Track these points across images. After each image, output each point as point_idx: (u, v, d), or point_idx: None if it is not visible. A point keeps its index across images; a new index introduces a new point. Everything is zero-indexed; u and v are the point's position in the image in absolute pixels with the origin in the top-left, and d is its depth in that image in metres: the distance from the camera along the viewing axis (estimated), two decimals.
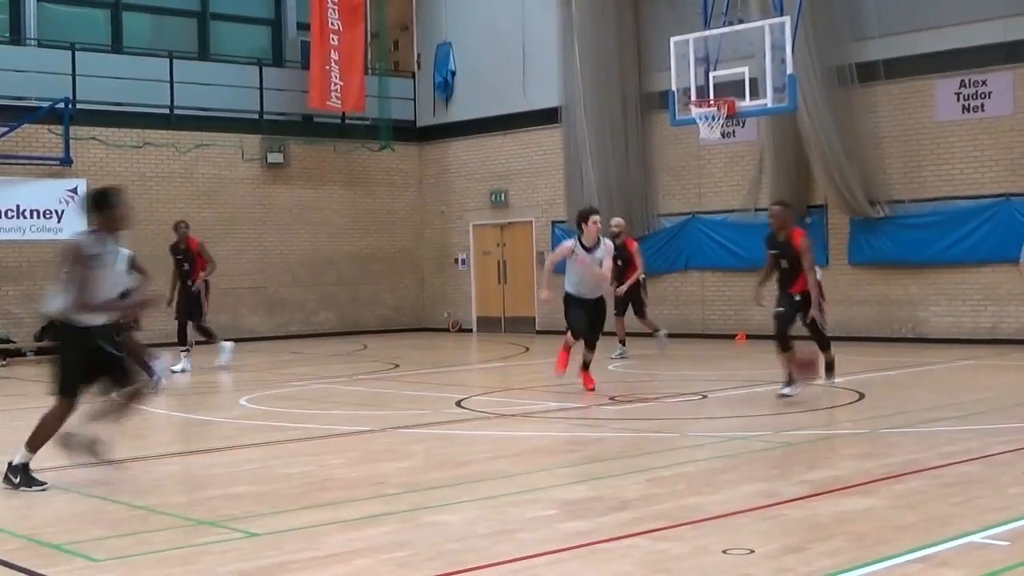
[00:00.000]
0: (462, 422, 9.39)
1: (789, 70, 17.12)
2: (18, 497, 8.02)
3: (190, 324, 17.94)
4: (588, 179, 22.97)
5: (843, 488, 7.46)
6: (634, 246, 18.16)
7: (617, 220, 18.38)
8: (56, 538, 6.57)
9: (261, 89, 24.83)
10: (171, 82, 23.58)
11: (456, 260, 26.54)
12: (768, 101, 17.36)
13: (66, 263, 7.94)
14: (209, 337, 18.01)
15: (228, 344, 18.01)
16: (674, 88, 18.37)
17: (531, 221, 25.08)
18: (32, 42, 23.20)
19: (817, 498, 7.17)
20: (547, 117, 24.15)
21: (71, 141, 22.11)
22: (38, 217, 21.74)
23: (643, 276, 18.16)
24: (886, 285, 20.20)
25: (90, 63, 22.76)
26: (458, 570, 5.69)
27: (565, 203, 24.00)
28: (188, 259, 17.82)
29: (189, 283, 17.76)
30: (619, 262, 17.08)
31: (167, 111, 23.60)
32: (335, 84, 24.88)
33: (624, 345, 18.40)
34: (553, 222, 24.30)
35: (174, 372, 17.02)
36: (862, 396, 12.54)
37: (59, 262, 8.00)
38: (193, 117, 23.85)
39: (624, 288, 17.76)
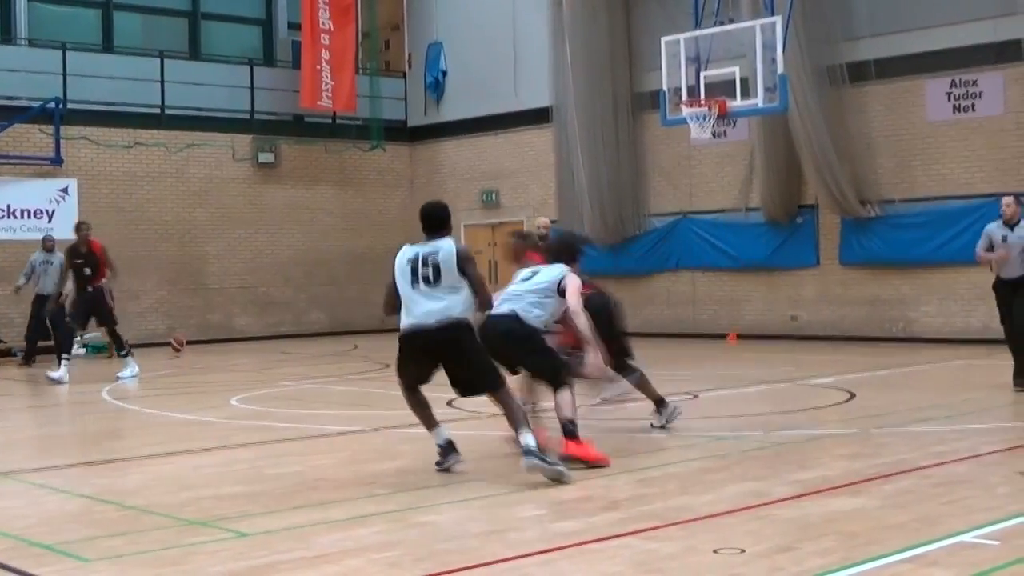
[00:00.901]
0: (453, 422, 9.38)
1: (780, 70, 17.14)
2: (9, 497, 8.01)
3: (103, 330, 16.90)
4: (579, 179, 22.99)
5: (833, 488, 7.47)
6: None
7: (543, 220, 17.91)
8: (47, 538, 6.56)
9: (252, 89, 24.81)
10: (162, 82, 23.55)
11: None
12: (759, 101, 17.39)
13: (467, 266, 8.08)
14: (120, 345, 16.81)
15: (132, 362, 16.73)
16: (665, 88, 18.38)
17: (522, 221, 25.08)
18: (23, 41, 23.16)
19: (807, 498, 7.18)
20: (538, 117, 24.16)
21: (62, 141, 22.08)
22: (29, 217, 21.70)
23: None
24: (877, 285, 20.24)
25: (81, 63, 22.73)
26: (448, 570, 5.69)
27: (556, 203, 24.02)
28: (90, 263, 16.68)
29: (89, 288, 16.57)
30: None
31: (158, 111, 23.57)
32: (326, 84, 24.86)
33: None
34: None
35: (52, 379, 15.87)
36: (852, 396, 12.56)
37: (454, 266, 7.98)
38: (184, 117, 23.82)
39: None
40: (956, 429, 10.12)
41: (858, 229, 20.23)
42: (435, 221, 8.28)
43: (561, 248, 9.34)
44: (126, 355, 16.76)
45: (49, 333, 19.05)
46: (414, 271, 8.13)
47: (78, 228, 17.14)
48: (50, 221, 21.67)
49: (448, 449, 8.36)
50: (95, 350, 20.93)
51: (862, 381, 14.03)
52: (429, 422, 8.47)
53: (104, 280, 16.74)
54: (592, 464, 8.22)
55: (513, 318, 8.46)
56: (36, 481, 8.58)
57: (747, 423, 10.94)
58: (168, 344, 21.28)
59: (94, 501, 7.69)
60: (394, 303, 8.36)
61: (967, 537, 6.07)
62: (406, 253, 8.24)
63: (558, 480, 7.75)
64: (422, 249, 8.18)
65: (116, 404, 13.83)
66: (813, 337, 20.53)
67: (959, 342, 18.64)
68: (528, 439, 7.98)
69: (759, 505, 6.99)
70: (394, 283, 8.26)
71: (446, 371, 8.32)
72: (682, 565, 5.70)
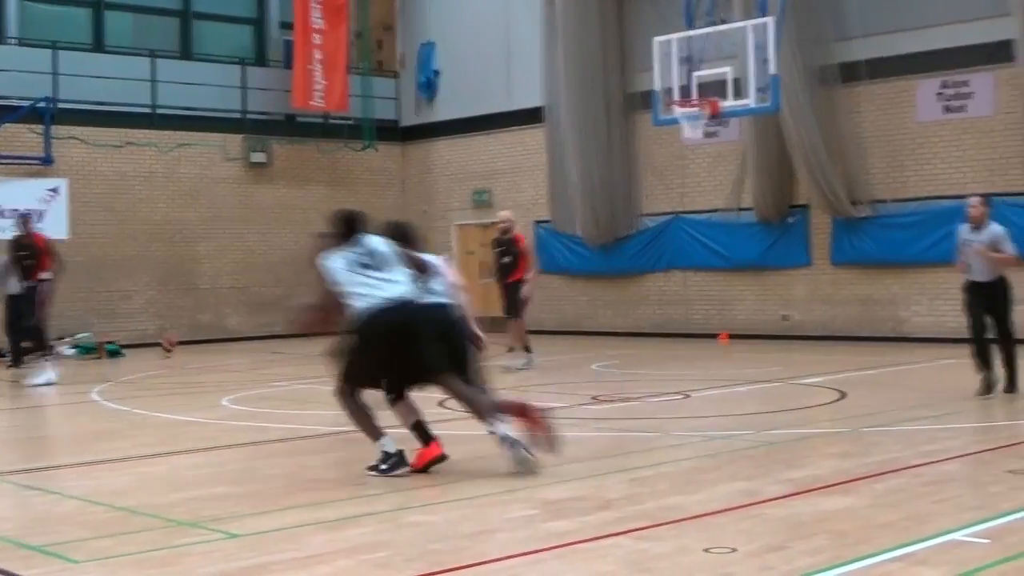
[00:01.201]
0: (444, 422, 9.38)
1: (772, 70, 17.15)
2: None
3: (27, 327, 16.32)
4: (571, 179, 23.00)
5: (824, 487, 7.48)
6: (524, 242, 17.23)
7: (504, 214, 17.80)
8: (36, 539, 6.54)
9: (244, 89, 24.78)
10: (153, 81, 23.51)
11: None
12: (751, 101, 17.40)
13: (401, 248, 8.59)
14: (39, 345, 16.10)
15: (51, 370, 15.97)
16: (657, 88, 18.39)
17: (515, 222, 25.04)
18: (13, 41, 23.10)
19: (798, 497, 7.19)
20: (530, 117, 24.16)
21: (52, 140, 22.03)
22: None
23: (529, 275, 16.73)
24: (869, 285, 20.26)
25: (72, 62, 22.68)
26: (440, 570, 5.69)
27: (548, 203, 24.02)
28: (33, 255, 16.38)
29: (28, 281, 16.20)
30: (506, 258, 16.73)
31: (149, 111, 23.53)
32: (318, 84, 24.83)
33: (530, 351, 16.58)
34: (536, 222, 24.29)
35: (38, 385, 15.48)
36: (843, 395, 12.57)
37: (393, 255, 8.46)
38: (175, 116, 23.78)
39: (528, 289, 16.50)
40: (946, 428, 10.15)
41: (849, 229, 20.25)
42: (358, 224, 8.56)
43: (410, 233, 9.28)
44: (44, 358, 16.14)
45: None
46: (361, 264, 8.34)
47: (24, 221, 16.96)
48: (40, 221, 21.56)
49: (399, 460, 8.25)
50: (85, 351, 20.88)
51: (853, 380, 14.05)
52: (375, 432, 8.41)
53: (46, 273, 16.50)
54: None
55: (455, 309, 8.69)
56: (25, 482, 8.56)
57: (738, 422, 10.95)
58: (159, 344, 21.25)
59: (84, 502, 7.67)
60: (330, 309, 8.54)
61: (957, 535, 6.08)
62: (337, 256, 8.41)
63: (526, 467, 8.01)
64: (353, 248, 8.41)
65: (106, 405, 13.80)
66: (804, 337, 20.55)
67: (950, 341, 18.61)
68: (501, 428, 8.10)
69: (750, 504, 7.00)
70: (327, 291, 8.44)
71: (398, 363, 8.32)
72: (673, 564, 5.70)
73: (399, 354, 8.27)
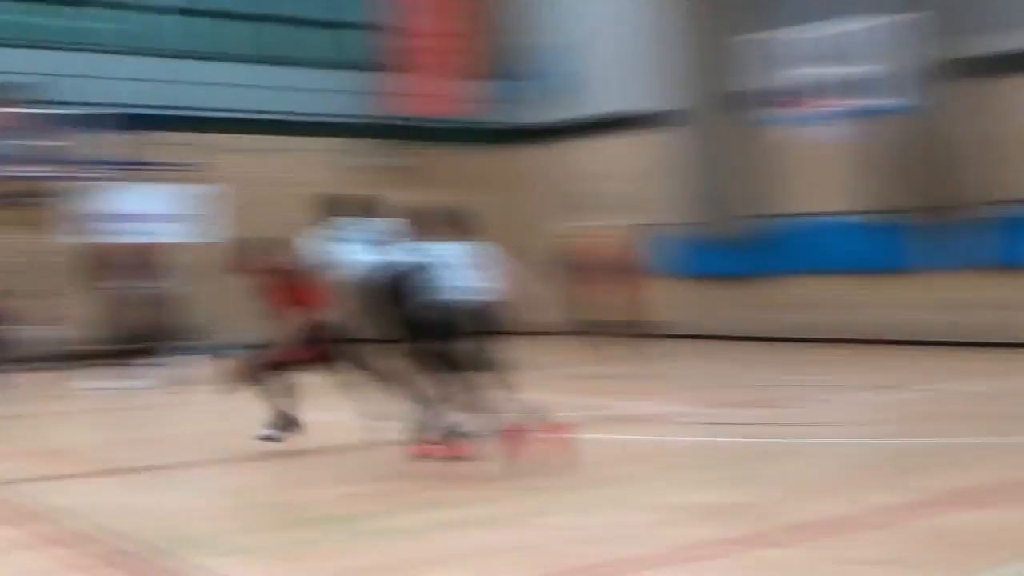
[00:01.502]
0: (587, 424, 9.35)
1: (898, 67, 16.80)
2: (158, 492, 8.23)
3: None
4: (691, 181, 22.90)
5: (961, 499, 7.29)
6: (631, 253, 17.26)
7: (593, 226, 17.62)
8: (172, 533, 6.77)
9: (366, 95, 25.25)
10: (267, 89, 24.54)
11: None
12: (878, 101, 17.09)
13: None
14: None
15: (134, 378, 16.18)
16: (777, 87, 18.13)
17: (635, 226, 24.84)
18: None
19: (943, 507, 7.04)
20: (650, 120, 23.99)
21: (199, 148, 22.83)
22: (163, 221, 22.49)
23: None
24: (1005, 288, 19.56)
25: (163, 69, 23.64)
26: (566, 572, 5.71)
27: (669, 205, 23.83)
28: None
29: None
30: (598, 272, 16.56)
31: (278, 118, 24.23)
32: (437, 88, 25.30)
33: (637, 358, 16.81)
34: (656, 226, 24.08)
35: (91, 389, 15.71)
36: (979, 402, 12.27)
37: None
38: (298, 123, 24.57)
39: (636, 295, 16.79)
40: None
41: (984, 230, 19.64)
42: (337, 207, 10.15)
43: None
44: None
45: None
46: (345, 240, 9.65)
47: None
48: (184, 226, 22.46)
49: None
50: (214, 353, 21.19)
51: (989, 388, 13.67)
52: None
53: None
54: None
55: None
56: (154, 480, 8.79)
57: (871, 430, 10.75)
58: None
59: (213, 499, 7.93)
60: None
61: None
62: (317, 235, 9.84)
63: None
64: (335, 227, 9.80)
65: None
66: (937, 343, 19.94)
67: None
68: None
69: (884, 514, 6.87)
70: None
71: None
72: (802, 574, 5.63)
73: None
